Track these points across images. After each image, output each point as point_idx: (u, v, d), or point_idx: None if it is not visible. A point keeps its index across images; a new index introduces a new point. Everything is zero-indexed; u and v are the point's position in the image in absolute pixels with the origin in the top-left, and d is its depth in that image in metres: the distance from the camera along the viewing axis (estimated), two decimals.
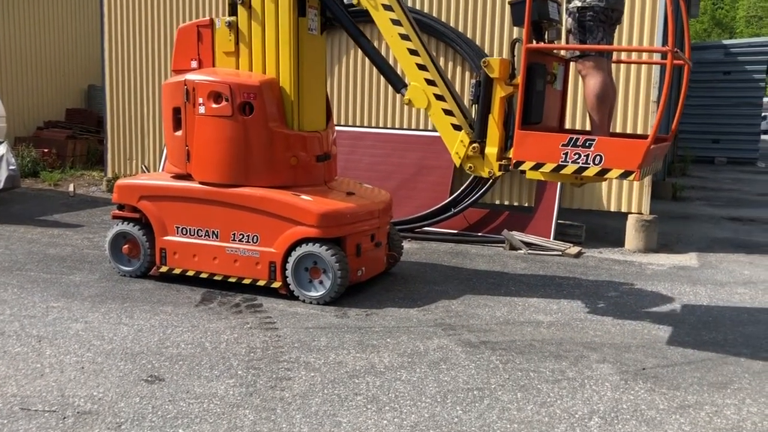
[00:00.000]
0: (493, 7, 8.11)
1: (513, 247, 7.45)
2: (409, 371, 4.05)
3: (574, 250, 7.36)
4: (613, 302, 5.62)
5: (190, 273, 5.70)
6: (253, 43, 5.64)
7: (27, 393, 3.62)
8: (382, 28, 5.45)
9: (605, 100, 4.85)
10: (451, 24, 8.24)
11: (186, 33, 5.91)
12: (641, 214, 7.74)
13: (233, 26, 5.68)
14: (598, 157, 4.47)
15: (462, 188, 7.92)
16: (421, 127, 8.49)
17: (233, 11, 5.72)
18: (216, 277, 5.62)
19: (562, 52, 5.28)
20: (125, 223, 5.94)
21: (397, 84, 5.61)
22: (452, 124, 5.25)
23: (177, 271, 5.75)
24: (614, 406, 3.66)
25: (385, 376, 3.98)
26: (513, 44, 5.26)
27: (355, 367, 4.10)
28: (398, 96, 8.52)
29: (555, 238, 7.62)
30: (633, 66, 7.62)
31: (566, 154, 4.55)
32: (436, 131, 8.41)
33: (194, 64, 5.86)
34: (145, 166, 10.09)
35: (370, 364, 4.14)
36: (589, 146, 4.48)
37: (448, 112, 5.28)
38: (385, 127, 8.63)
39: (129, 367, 4.00)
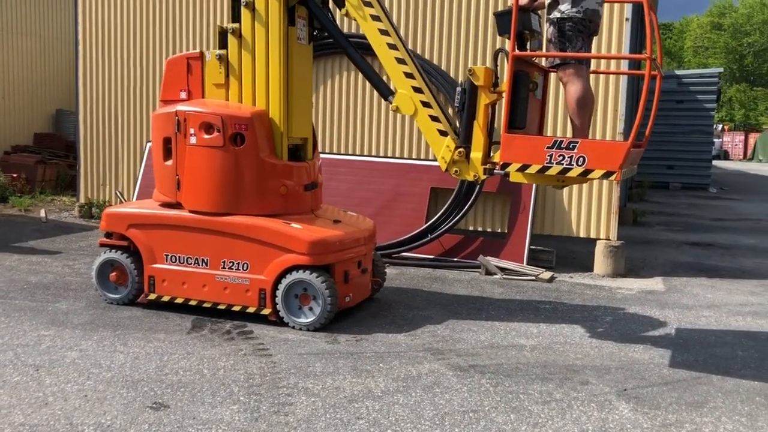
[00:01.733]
0: (466, 43, 8.43)
1: (489, 272, 7.69)
2: (405, 395, 4.22)
3: (547, 275, 7.64)
4: (589, 326, 5.89)
5: (179, 300, 5.77)
6: (243, 74, 5.80)
7: (35, 422, 3.67)
8: (370, 37, 5.66)
9: (586, 105, 5.15)
10: (426, 57, 8.52)
11: (175, 64, 6.03)
12: (609, 240, 8.08)
13: (223, 59, 5.83)
14: (581, 158, 4.74)
15: (438, 215, 8.16)
16: (397, 155, 8.73)
17: (223, 42, 5.87)
18: (205, 305, 5.71)
19: (543, 63, 5.56)
20: (113, 250, 5.99)
21: (385, 92, 5.79)
22: (438, 130, 5.48)
23: (165, 298, 5.82)
24: (602, 426, 3.89)
25: (383, 400, 4.13)
26: (496, 55, 5.53)
27: (353, 391, 4.25)
28: (375, 124, 8.81)
29: (528, 263, 7.89)
30: (601, 82, 7.97)
31: (551, 156, 4.80)
32: (411, 159, 8.72)
33: (183, 94, 5.99)
34: (119, 192, 10.09)
35: (367, 389, 4.29)
36: (573, 148, 4.75)
37: (434, 119, 5.50)
38: (362, 155, 8.84)
39: (132, 395, 4.07)
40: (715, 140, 34.22)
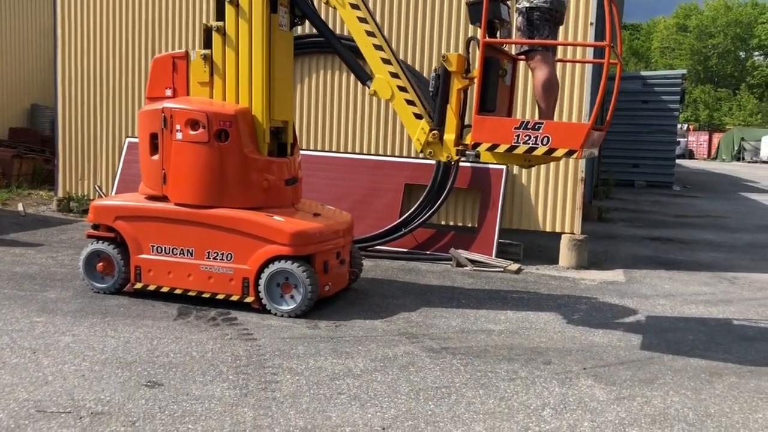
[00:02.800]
0: (439, 34, 8.77)
1: (459, 264, 8.06)
2: (383, 374, 4.55)
3: (515, 266, 8.04)
4: (553, 313, 6.28)
5: (165, 289, 6.03)
6: (227, 72, 6.06)
7: (38, 398, 3.93)
8: (349, 25, 5.97)
9: (551, 90, 5.53)
10: (401, 57, 8.85)
11: (161, 63, 6.28)
12: (573, 234, 8.50)
13: (208, 58, 6.09)
14: (546, 138, 5.12)
15: (411, 210, 8.50)
16: (373, 152, 9.05)
17: (207, 40, 6.12)
18: (190, 293, 5.98)
19: (513, 50, 5.92)
20: (100, 242, 6.22)
21: (363, 76, 6.09)
22: (414, 113, 5.81)
23: (152, 287, 6.07)
24: (562, 399, 4.26)
25: (362, 378, 4.46)
26: (468, 42, 5.88)
27: (334, 371, 4.57)
28: (351, 122, 9.12)
29: (497, 256, 8.28)
30: (567, 71, 8.36)
31: (518, 136, 5.18)
32: (386, 156, 9.05)
33: (169, 92, 6.24)
34: (98, 187, 10.26)
35: (347, 368, 4.62)
36: (538, 129, 5.13)
37: (410, 102, 5.84)
38: (338, 152, 9.15)
39: (127, 374, 4.35)
40: (680, 140, 35.22)
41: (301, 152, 9.00)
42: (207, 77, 6.12)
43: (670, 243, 10.68)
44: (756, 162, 44.20)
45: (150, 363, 4.56)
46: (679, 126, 31.32)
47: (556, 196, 8.56)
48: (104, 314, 5.62)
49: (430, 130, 5.69)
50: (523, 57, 5.73)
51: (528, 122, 5.18)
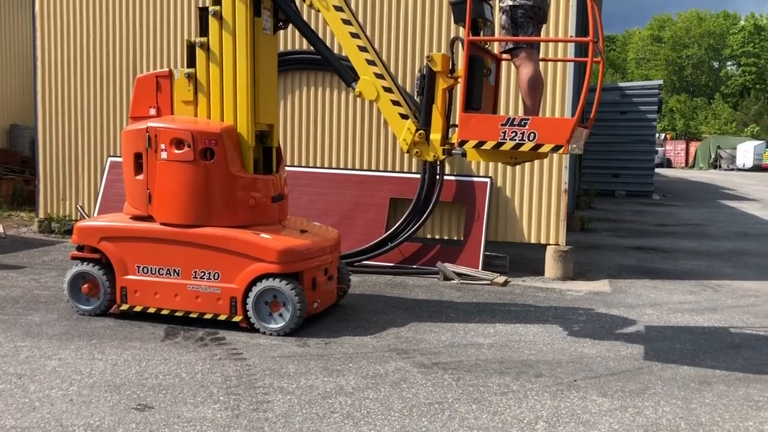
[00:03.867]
0: (422, 36, 8.81)
1: (446, 278, 8.07)
2: (375, 391, 4.53)
3: (501, 279, 8.06)
4: (542, 325, 6.30)
5: (152, 310, 5.97)
6: (212, 88, 6.04)
7: (25, 425, 3.87)
8: (333, 27, 6.00)
9: (536, 86, 5.57)
10: (384, 58, 8.85)
11: (145, 82, 6.25)
12: (558, 245, 8.55)
13: (192, 77, 6.08)
14: (532, 134, 5.14)
15: (397, 224, 8.51)
16: (357, 166, 9.06)
17: (191, 57, 6.10)
18: (177, 314, 5.92)
19: (496, 49, 5.95)
20: (85, 263, 6.15)
21: (348, 78, 6.10)
22: (399, 114, 5.84)
23: (138, 308, 6.01)
24: (555, 412, 4.27)
25: (354, 396, 4.44)
26: (452, 43, 5.92)
27: (326, 389, 4.54)
28: (335, 137, 9.13)
29: (483, 269, 8.30)
30: (549, 70, 8.37)
31: (504, 132, 5.19)
32: (371, 171, 9.06)
33: (152, 111, 6.21)
34: (80, 207, 10.15)
35: (338, 387, 4.59)
36: (524, 125, 5.15)
37: (395, 103, 5.87)
38: (323, 167, 9.15)
39: (116, 398, 4.29)
40: (657, 149, 35.64)
41: (287, 168, 9.03)
42: (191, 96, 6.10)
43: (653, 252, 10.78)
44: (732, 170, 44.84)
45: (139, 385, 4.51)
46: (656, 135, 31.74)
47: (540, 207, 8.61)
48: (91, 337, 5.55)
49: (417, 130, 5.71)
50: (507, 56, 5.75)
51: (514, 119, 5.21)
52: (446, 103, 5.68)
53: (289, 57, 9.03)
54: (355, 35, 5.93)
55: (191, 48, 6.13)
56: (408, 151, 5.80)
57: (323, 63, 8.91)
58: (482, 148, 5.29)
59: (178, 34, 9.70)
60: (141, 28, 9.87)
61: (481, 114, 5.44)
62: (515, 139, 5.16)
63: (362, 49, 5.92)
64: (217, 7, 5.95)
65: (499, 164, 8.61)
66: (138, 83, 6.30)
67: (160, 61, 9.78)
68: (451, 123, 5.76)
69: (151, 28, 9.83)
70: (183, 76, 6.09)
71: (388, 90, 5.87)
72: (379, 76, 5.88)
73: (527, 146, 5.16)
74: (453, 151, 5.59)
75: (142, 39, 9.88)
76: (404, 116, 5.82)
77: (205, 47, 6.02)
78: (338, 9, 5.94)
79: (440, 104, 5.65)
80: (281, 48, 8.65)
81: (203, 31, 6.08)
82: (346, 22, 5.95)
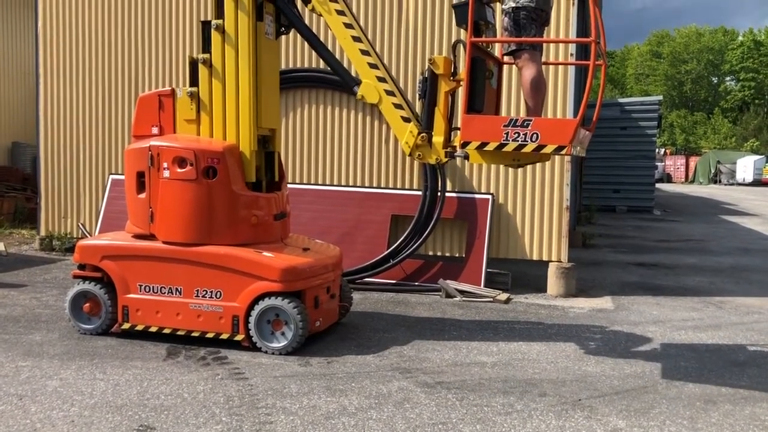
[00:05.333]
0: (423, 41, 8.82)
1: (449, 295, 8.04)
2: (378, 411, 4.50)
3: (504, 296, 8.04)
4: (545, 343, 6.27)
5: (153, 329, 5.95)
6: (214, 106, 6.05)
7: None
8: (336, 31, 6.02)
9: (539, 88, 5.56)
10: (386, 62, 8.87)
11: (147, 101, 6.27)
12: (560, 261, 8.53)
13: (195, 96, 6.10)
14: (535, 135, 5.13)
15: (399, 241, 8.50)
16: (359, 183, 9.06)
17: (193, 74, 6.12)
18: (179, 333, 5.89)
19: (498, 52, 5.94)
20: (86, 282, 6.14)
21: (350, 81, 6.12)
22: (402, 117, 5.86)
23: (139, 327, 5.98)
24: None
25: (357, 416, 4.41)
26: (454, 46, 5.93)
27: (329, 409, 4.51)
28: (337, 154, 9.14)
29: (485, 286, 8.28)
30: (551, 74, 8.34)
31: (507, 133, 5.18)
32: (372, 188, 9.06)
33: (155, 130, 6.22)
34: (82, 225, 10.15)
35: (341, 407, 4.56)
36: (527, 126, 5.14)
37: (397, 106, 5.89)
38: (324, 184, 9.15)
39: (118, 419, 4.26)
40: (657, 164, 35.73)
41: (289, 185, 9.04)
42: (194, 114, 6.12)
43: (655, 268, 10.76)
44: (732, 185, 44.88)
45: (141, 406, 4.47)
46: (656, 150, 31.80)
47: (542, 224, 8.60)
48: (92, 356, 5.52)
49: (419, 134, 5.72)
50: (510, 58, 5.75)
51: (516, 120, 5.21)
52: (448, 105, 5.71)
53: (291, 75, 9.06)
54: (357, 39, 5.96)
55: (194, 64, 6.15)
56: (410, 155, 5.82)
57: (325, 81, 9.04)
58: (485, 149, 5.28)
59: (180, 51, 9.74)
60: (143, 46, 9.91)
61: (483, 115, 5.45)
62: (518, 140, 5.16)
63: (364, 52, 5.95)
64: (220, 21, 5.98)
65: (501, 181, 8.61)
66: (140, 102, 6.32)
67: (163, 79, 9.81)
68: (453, 126, 5.78)
69: (154, 46, 9.87)
70: (186, 94, 6.11)
71: (390, 93, 5.91)
72: (381, 80, 5.91)
73: (530, 147, 5.15)
74: (455, 154, 5.59)
75: (145, 57, 9.92)
76: (406, 119, 5.85)
77: (208, 63, 6.04)
78: (340, 13, 5.98)
79: (442, 107, 5.67)
80: (283, 66, 8.67)
81: (206, 46, 6.11)
82: (348, 26, 5.98)
